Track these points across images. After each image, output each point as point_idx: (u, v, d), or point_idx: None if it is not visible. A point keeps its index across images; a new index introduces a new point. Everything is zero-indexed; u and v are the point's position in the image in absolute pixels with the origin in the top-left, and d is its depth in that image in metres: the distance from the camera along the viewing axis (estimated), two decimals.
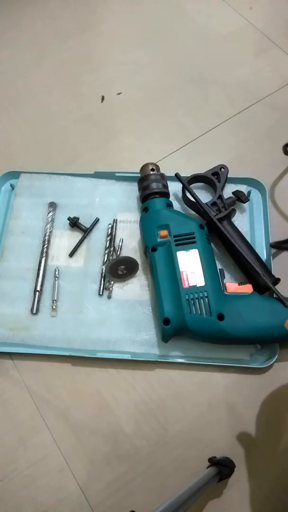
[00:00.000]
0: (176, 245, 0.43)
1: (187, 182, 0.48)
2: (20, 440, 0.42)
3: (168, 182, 0.49)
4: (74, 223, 0.49)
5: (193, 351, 0.44)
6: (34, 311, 0.46)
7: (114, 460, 0.41)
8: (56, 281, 0.47)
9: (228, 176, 0.49)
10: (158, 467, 0.41)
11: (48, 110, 0.60)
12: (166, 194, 0.48)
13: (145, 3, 0.69)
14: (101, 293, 0.46)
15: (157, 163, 0.50)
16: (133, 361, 0.44)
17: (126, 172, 0.52)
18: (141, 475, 0.41)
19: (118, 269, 0.46)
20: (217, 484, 0.39)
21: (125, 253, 0.49)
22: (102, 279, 0.47)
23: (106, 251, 0.48)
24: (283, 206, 0.51)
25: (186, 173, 0.49)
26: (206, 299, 0.40)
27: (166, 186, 0.48)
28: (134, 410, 0.43)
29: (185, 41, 0.65)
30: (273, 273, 0.45)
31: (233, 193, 0.49)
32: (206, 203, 0.47)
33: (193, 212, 0.50)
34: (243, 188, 0.51)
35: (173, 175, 0.49)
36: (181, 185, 0.49)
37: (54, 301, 0.46)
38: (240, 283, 0.43)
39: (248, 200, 0.49)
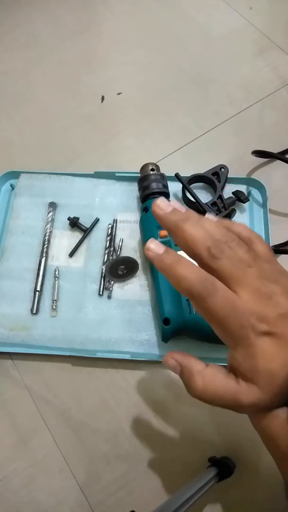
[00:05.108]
0: (176, 245, 0.42)
1: (187, 182, 0.48)
2: (20, 440, 0.42)
3: (168, 182, 0.49)
4: (74, 223, 0.49)
5: (193, 351, 0.43)
6: (34, 311, 0.46)
7: (114, 460, 0.41)
8: (56, 281, 0.47)
9: (228, 176, 0.49)
10: (158, 467, 0.41)
11: (48, 110, 0.60)
12: (166, 194, 0.48)
13: (145, 3, 0.69)
14: (101, 293, 0.46)
15: (157, 163, 0.50)
16: (133, 361, 0.44)
17: (126, 172, 0.52)
18: (141, 475, 0.41)
19: (118, 269, 0.46)
20: (217, 484, 0.39)
21: (125, 253, 0.49)
22: (102, 279, 0.47)
23: (106, 251, 0.48)
24: (283, 206, 0.51)
25: (186, 173, 0.49)
26: None
27: (166, 186, 0.48)
28: (134, 410, 0.43)
29: (185, 41, 0.65)
30: None
31: (233, 193, 0.49)
32: (206, 203, 0.47)
33: None
34: (243, 188, 0.51)
35: (173, 175, 0.49)
36: (181, 185, 0.49)
37: (54, 301, 0.46)
38: None
39: (248, 200, 0.49)
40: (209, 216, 0.30)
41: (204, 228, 0.27)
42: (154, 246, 0.27)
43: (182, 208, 0.29)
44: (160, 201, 0.28)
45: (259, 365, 0.24)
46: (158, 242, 0.27)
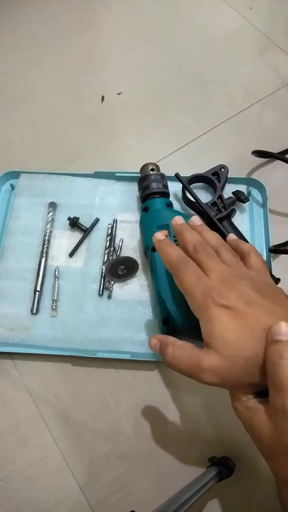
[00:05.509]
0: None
1: (187, 182, 0.48)
2: (20, 440, 0.42)
3: (168, 182, 0.49)
4: (74, 223, 0.49)
5: None
6: (34, 311, 0.46)
7: (114, 460, 0.41)
8: (56, 281, 0.47)
9: (228, 176, 0.49)
10: (158, 467, 0.41)
11: (48, 110, 0.60)
12: (166, 194, 0.48)
13: (145, 3, 0.69)
14: (101, 293, 0.46)
15: (157, 163, 0.50)
16: (133, 361, 0.44)
17: (126, 172, 0.52)
18: (141, 475, 0.41)
19: (118, 269, 0.46)
20: (217, 484, 0.39)
21: (125, 253, 0.49)
22: (102, 279, 0.47)
23: (106, 251, 0.48)
24: (283, 206, 0.51)
25: (186, 173, 0.49)
26: None
27: (166, 186, 0.48)
28: (134, 410, 0.43)
29: (185, 41, 0.65)
30: (273, 273, 0.45)
31: (233, 193, 0.49)
32: (206, 203, 0.47)
33: (193, 212, 0.50)
34: (243, 188, 0.51)
35: (173, 175, 0.49)
36: (181, 185, 0.49)
37: (54, 301, 0.46)
38: None
39: (248, 200, 0.49)
40: (231, 235, 0.39)
41: (201, 235, 0.35)
42: (159, 234, 0.36)
43: (199, 223, 0.38)
44: (178, 218, 0.38)
45: (215, 330, 0.28)
46: (163, 234, 0.36)
